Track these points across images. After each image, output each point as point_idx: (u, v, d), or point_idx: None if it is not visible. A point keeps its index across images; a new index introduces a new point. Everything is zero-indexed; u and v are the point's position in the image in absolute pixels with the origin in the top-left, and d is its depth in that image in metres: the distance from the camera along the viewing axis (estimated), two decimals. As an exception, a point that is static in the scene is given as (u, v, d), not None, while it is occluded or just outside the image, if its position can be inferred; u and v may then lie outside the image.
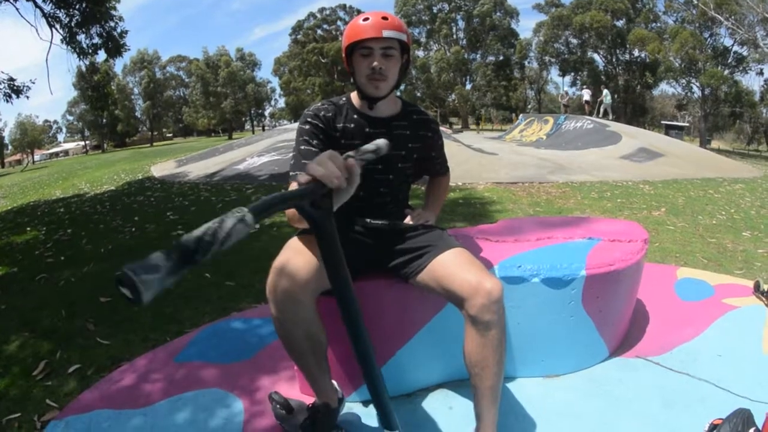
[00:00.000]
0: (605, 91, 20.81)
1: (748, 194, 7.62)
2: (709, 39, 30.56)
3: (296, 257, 1.57)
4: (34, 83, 10.72)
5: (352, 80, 1.74)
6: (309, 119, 1.72)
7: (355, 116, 1.77)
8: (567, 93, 28.38)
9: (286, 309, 1.52)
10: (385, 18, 1.62)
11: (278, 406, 1.82)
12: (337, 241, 1.07)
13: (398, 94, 1.82)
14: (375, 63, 1.63)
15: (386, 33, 1.59)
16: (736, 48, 29.82)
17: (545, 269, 1.97)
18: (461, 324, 1.56)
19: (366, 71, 1.64)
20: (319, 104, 1.79)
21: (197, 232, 0.77)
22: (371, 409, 1.96)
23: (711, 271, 3.53)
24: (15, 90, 10.53)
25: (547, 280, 1.96)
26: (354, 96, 1.80)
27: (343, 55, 1.71)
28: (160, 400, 2.03)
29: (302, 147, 1.68)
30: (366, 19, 1.61)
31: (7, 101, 10.49)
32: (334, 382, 1.85)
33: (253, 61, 54.81)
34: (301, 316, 1.54)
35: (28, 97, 10.88)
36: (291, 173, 1.65)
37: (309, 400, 1.91)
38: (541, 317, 2.03)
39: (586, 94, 22.89)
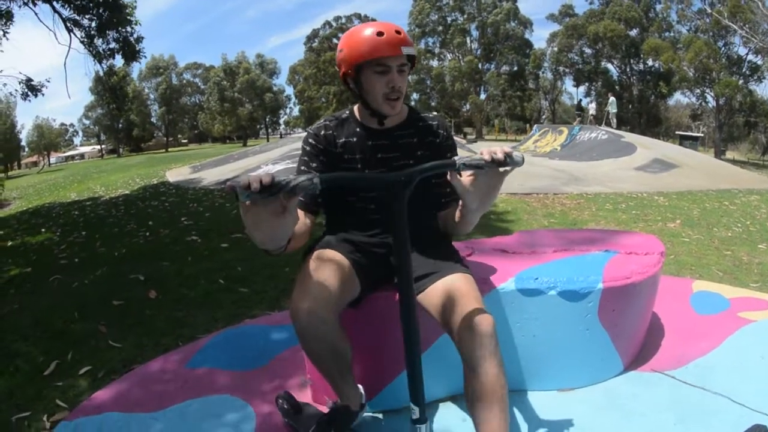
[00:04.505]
0: (611, 99, 20.66)
1: (764, 206, 7.52)
2: (723, 48, 30.43)
3: (317, 275, 1.56)
4: (49, 82, 11.20)
5: (357, 97, 1.67)
6: (310, 139, 1.74)
7: (358, 129, 1.74)
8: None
9: (310, 327, 1.50)
10: (398, 32, 1.53)
11: (285, 404, 1.83)
12: (405, 225, 1.30)
13: (412, 102, 1.78)
14: (395, 82, 1.56)
15: (405, 50, 1.53)
16: (750, 57, 29.67)
17: (562, 282, 1.95)
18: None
19: (384, 89, 1.57)
20: (323, 121, 1.78)
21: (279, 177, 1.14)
22: (389, 419, 1.97)
23: (727, 284, 3.48)
24: (32, 89, 10.87)
25: (563, 293, 1.95)
26: (357, 109, 1.76)
27: (348, 70, 1.58)
28: (171, 405, 2.03)
29: (302, 167, 1.72)
30: (380, 34, 1.50)
31: (25, 99, 10.94)
32: (360, 386, 1.84)
33: (272, 69, 55.17)
34: (324, 331, 1.52)
35: (43, 94, 11.37)
36: None
37: (322, 408, 1.91)
38: (556, 330, 2.01)
39: (592, 109, 22.67)
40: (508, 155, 1.29)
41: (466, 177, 1.40)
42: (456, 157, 1.33)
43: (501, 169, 1.34)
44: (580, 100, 29.81)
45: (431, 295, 1.62)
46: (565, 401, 2.02)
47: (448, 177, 1.39)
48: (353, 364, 1.72)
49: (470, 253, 2.26)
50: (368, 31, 1.53)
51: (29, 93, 10.98)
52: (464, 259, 1.80)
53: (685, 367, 2.18)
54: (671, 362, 2.23)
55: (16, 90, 10.97)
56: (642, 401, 1.97)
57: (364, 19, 48.41)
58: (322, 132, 1.73)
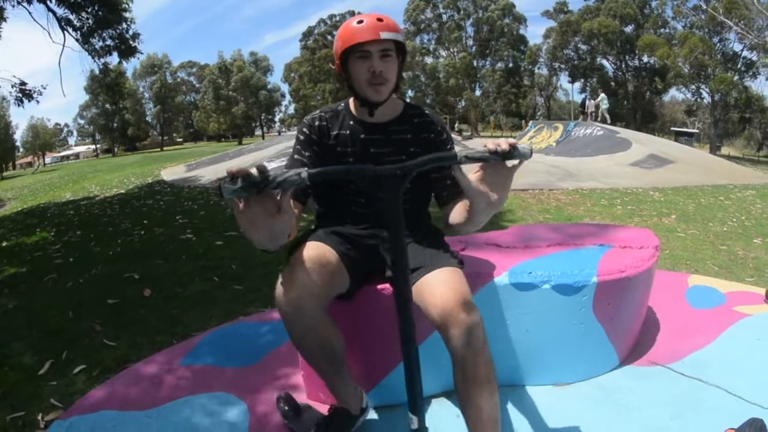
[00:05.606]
0: (602, 95, 20.68)
1: (759, 201, 7.56)
2: (718, 44, 30.51)
3: (303, 266, 1.54)
4: (45, 89, 10.95)
5: (347, 87, 1.67)
6: (305, 129, 1.72)
7: (351, 122, 1.73)
8: None
9: (296, 320, 1.49)
10: (380, 19, 1.54)
11: (285, 406, 1.82)
12: (401, 220, 1.24)
13: (407, 99, 1.76)
14: (375, 67, 1.56)
15: (384, 35, 1.52)
16: (745, 53, 29.79)
17: (556, 276, 1.94)
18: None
19: (365, 75, 1.57)
20: (318, 111, 1.77)
21: (269, 172, 1.09)
22: (384, 416, 1.96)
23: (722, 278, 3.49)
24: (26, 94, 10.73)
25: (557, 287, 1.93)
26: (352, 102, 1.75)
27: (337, 61, 1.63)
28: (165, 403, 2.02)
29: (295, 156, 1.71)
30: (360, 22, 1.54)
31: (19, 105, 10.79)
32: (361, 389, 1.82)
33: (266, 66, 55.05)
34: (310, 325, 1.51)
35: (38, 102, 11.17)
36: None
37: (317, 406, 1.91)
38: (551, 324, 2.00)
39: (592, 106, 22.68)
40: (512, 146, 1.21)
41: (473, 174, 1.34)
42: (458, 148, 1.28)
43: (509, 163, 1.27)
44: (585, 98, 29.82)
45: (419, 290, 1.59)
46: (561, 396, 2.01)
47: (454, 174, 1.32)
48: (347, 360, 1.71)
49: (463, 247, 2.25)
50: (351, 22, 1.57)
51: (23, 98, 10.85)
52: (457, 253, 1.79)
53: (681, 362, 2.18)
54: (667, 356, 2.23)
55: (9, 93, 10.89)
56: (638, 395, 1.97)
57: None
58: (317, 123, 1.72)
